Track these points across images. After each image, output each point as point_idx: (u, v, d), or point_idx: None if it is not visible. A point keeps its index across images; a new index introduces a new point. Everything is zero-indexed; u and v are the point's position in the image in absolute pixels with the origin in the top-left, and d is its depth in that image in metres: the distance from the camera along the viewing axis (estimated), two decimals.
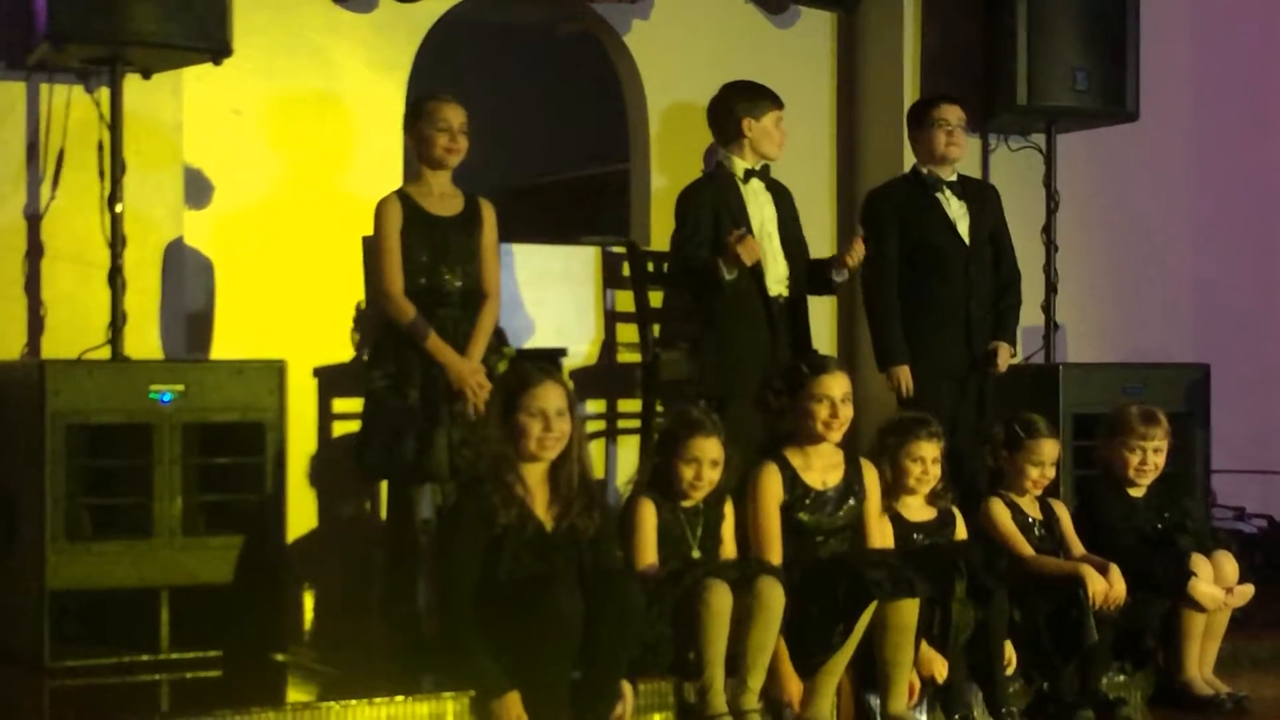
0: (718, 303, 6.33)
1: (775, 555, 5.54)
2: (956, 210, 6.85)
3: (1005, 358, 6.84)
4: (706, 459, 5.49)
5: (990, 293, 6.89)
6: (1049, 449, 6.07)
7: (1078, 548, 6.05)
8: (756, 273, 6.32)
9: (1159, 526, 6.21)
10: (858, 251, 6.44)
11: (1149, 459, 6.21)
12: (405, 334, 5.91)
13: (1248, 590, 6.06)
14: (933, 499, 5.92)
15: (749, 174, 6.46)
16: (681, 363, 6.79)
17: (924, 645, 5.59)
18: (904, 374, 6.69)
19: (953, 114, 6.83)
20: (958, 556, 5.66)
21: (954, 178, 6.91)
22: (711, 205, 6.38)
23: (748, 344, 6.32)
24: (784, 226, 6.51)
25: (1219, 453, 7.56)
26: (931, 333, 6.76)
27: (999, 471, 6.10)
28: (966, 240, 6.83)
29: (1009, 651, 5.79)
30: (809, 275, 6.64)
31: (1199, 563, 6.00)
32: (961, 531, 5.94)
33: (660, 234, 7.50)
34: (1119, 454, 6.24)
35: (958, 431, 6.53)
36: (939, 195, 6.84)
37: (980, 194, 6.99)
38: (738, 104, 6.46)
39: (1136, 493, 6.25)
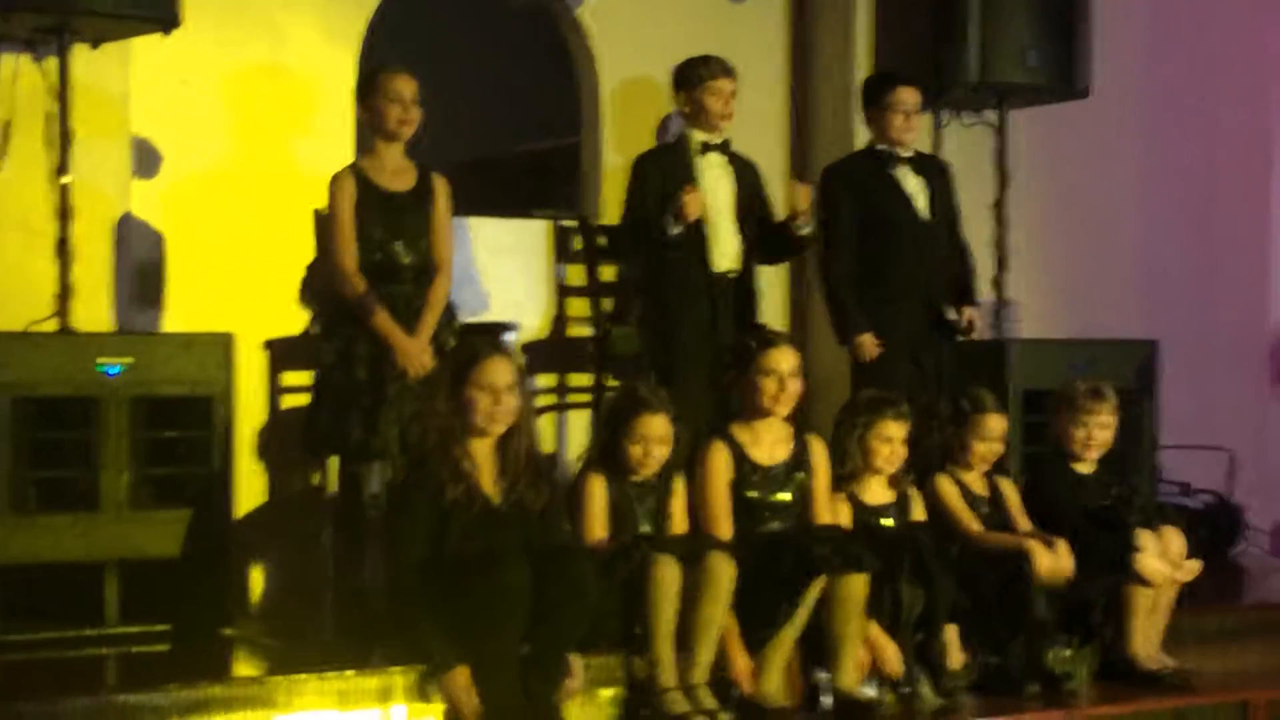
0: (661, 277, 6.32)
1: (725, 531, 5.55)
2: (914, 186, 6.83)
3: (979, 321, 6.91)
4: (654, 437, 5.48)
5: (946, 268, 6.90)
6: (996, 424, 6.09)
7: (1024, 524, 6.07)
8: (700, 248, 6.32)
9: (1107, 503, 6.24)
10: (802, 195, 6.40)
11: (1095, 435, 6.24)
12: (353, 309, 5.89)
13: (1195, 565, 6.09)
14: (894, 481, 5.93)
15: (706, 147, 6.45)
16: (632, 338, 6.79)
17: (877, 632, 5.61)
18: (869, 342, 6.64)
19: (910, 97, 6.80)
20: (907, 537, 5.68)
21: (910, 153, 6.90)
22: (660, 174, 6.36)
23: (689, 319, 6.31)
24: (743, 202, 6.49)
25: (1164, 428, 7.61)
26: (888, 307, 6.73)
27: (947, 447, 6.12)
28: (924, 216, 6.82)
29: (951, 634, 5.80)
30: (772, 243, 6.58)
31: (1146, 538, 6.02)
32: (919, 513, 5.95)
33: (612, 208, 7.49)
34: (1066, 430, 6.27)
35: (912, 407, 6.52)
36: (895, 171, 6.83)
37: (936, 170, 6.98)
38: (677, 79, 6.47)
39: (1085, 468, 6.28)
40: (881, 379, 6.44)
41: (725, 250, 6.41)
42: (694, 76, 6.42)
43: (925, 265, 6.80)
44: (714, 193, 6.42)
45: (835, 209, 6.73)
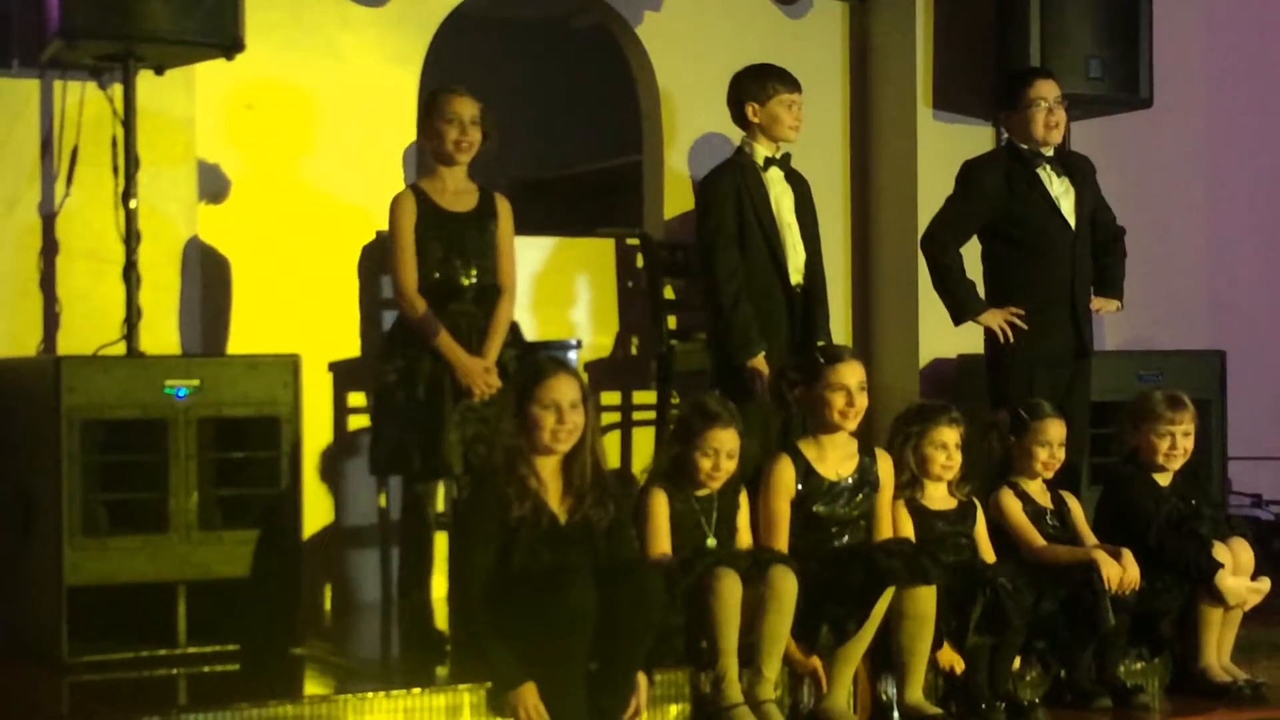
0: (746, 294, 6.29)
1: (782, 546, 5.53)
2: (1059, 188, 6.54)
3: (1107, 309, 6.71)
4: (724, 450, 5.47)
5: (1093, 274, 6.63)
6: (1055, 429, 6.02)
7: (1089, 538, 6.01)
8: (780, 261, 6.30)
9: (1183, 513, 6.16)
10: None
11: (1178, 443, 6.16)
12: (415, 330, 5.91)
13: (1264, 586, 6.03)
14: (953, 489, 5.90)
15: (769, 161, 6.41)
16: (696, 353, 6.78)
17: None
18: (995, 313, 6.39)
19: (1050, 90, 6.51)
20: (985, 580, 5.61)
21: (1052, 153, 6.57)
22: (734, 192, 6.30)
23: (773, 334, 6.27)
24: (801, 216, 6.47)
25: (1234, 439, 7.55)
26: (1033, 318, 6.44)
27: (1008, 457, 6.08)
28: (1071, 221, 6.53)
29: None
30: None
31: (1221, 553, 5.97)
32: (981, 523, 5.92)
33: (674, 224, 7.50)
34: (1147, 440, 6.18)
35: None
36: (1040, 172, 6.53)
37: (1080, 168, 6.66)
38: (744, 89, 6.38)
39: (1163, 479, 6.21)
40: (1015, 391, 6.29)
41: (795, 264, 6.39)
42: (766, 88, 6.34)
43: (1074, 274, 6.52)
44: (780, 207, 6.39)
45: (968, 199, 6.51)
